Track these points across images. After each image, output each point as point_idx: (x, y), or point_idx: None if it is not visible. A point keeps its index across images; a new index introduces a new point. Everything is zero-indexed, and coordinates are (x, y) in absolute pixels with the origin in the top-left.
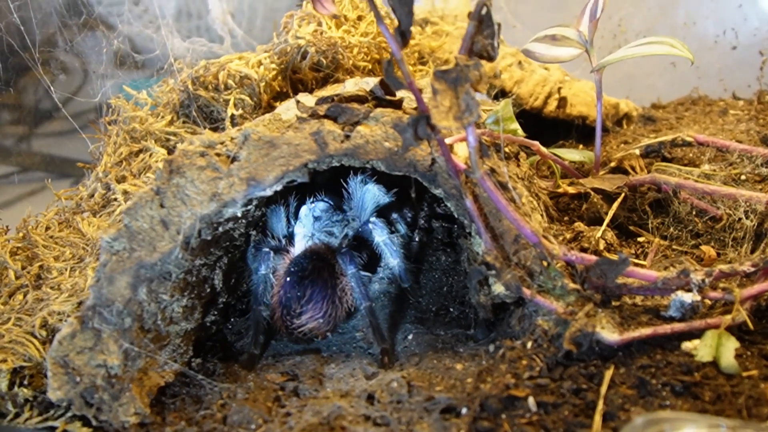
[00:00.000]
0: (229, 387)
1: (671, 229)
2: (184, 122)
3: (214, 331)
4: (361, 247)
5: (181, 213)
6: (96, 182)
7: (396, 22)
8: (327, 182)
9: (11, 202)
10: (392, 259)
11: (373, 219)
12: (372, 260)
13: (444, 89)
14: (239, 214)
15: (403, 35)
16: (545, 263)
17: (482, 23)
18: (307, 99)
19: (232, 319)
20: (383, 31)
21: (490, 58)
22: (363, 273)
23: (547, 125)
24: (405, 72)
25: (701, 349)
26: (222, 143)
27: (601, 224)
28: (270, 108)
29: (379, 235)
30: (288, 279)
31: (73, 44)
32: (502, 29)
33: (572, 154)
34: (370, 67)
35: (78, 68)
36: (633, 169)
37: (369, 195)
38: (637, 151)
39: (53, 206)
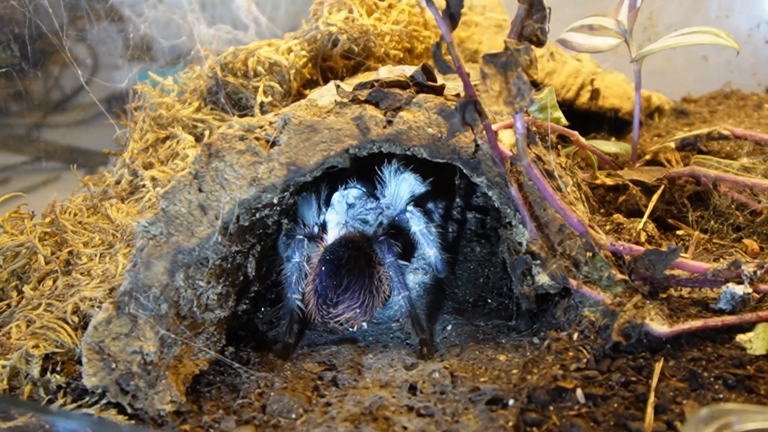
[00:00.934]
0: (266, 376)
1: (711, 223)
2: (212, 109)
3: (245, 321)
4: (397, 236)
5: (219, 198)
6: (123, 168)
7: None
8: (358, 170)
9: (27, 190)
10: (429, 249)
11: (410, 208)
12: (406, 249)
13: (494, 74)
14: (275, 201)
15: (453, 17)
16: (590, 254)
17: (532, 7)
18: (344, 85)
19: (262, 309)
20: (433, 12)
21: (540, 43)
22: (401, 262)
23: (579, 118)
24: (454, 56)
25: (755, 342)
26: (261, 127)
27: (639, 216)
28: (300, 95)
29: (417, 225)
30: (323, 268)
31: (98, 30)
32: None
33: (608, 146)
34: (401, 56)
35: (99, 54)
36: (669, 162)
37: (405, 184)
38: (673, 144)
39: (79, 192)
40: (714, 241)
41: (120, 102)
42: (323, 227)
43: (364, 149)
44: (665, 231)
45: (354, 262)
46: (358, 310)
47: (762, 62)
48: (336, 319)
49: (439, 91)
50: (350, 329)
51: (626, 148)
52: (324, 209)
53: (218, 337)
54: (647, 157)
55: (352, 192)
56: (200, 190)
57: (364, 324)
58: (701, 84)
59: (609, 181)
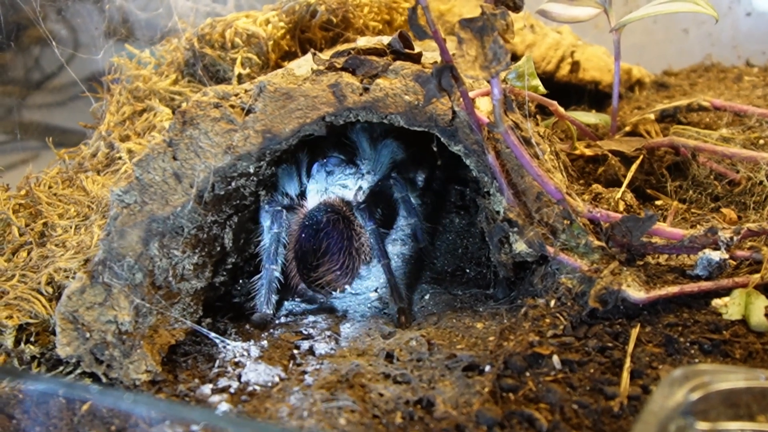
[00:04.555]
0: (243, 345)
1: (690, 193)
2: (189, 81)
3: (222, 293)
4: (378, 204)
5: (194, 166)
6: (99, 141)
7: None
8: (339, 143)
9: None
10: (410, 218)
11: (394, 175)
12: (387, 219)
13: (470, 38)
14: (252, 170)
15: None
16: (567, 221)
17: None
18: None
19: (240, 281)
20: None
21: (516, 8)
22: (381, 230)
23: (559, 90)
24: (429, 20)
25: (730, 307)
26: (236, 95)
27: (618, 187)
28: (278, 67)
29: (399, 192)
30: (303, 234)
31: (74, 4)
32: None
33: (587, 117)
34: (380, 27)
35: (75, 29)
36: (648, 133)
37: (386, 150)
38: (652, 116)
39: (54, 166)
40: (692, 210)
41: (97, 77)
42: (304, 196)
43: (340, 117)
44: (644, 201)
45: (332, 226)
46: (338, 273)
47: (742, 35)
48: (317, 283)
49: (416, 58)
50: (333, 293)
51: (606, 119)
52: (305, 180)
53: (195, 308)
54: (627, 128)
55: (332, 160)
56: (174, 158)
57: (347, 287)
58: (682, 58)
59: (588, 152)
